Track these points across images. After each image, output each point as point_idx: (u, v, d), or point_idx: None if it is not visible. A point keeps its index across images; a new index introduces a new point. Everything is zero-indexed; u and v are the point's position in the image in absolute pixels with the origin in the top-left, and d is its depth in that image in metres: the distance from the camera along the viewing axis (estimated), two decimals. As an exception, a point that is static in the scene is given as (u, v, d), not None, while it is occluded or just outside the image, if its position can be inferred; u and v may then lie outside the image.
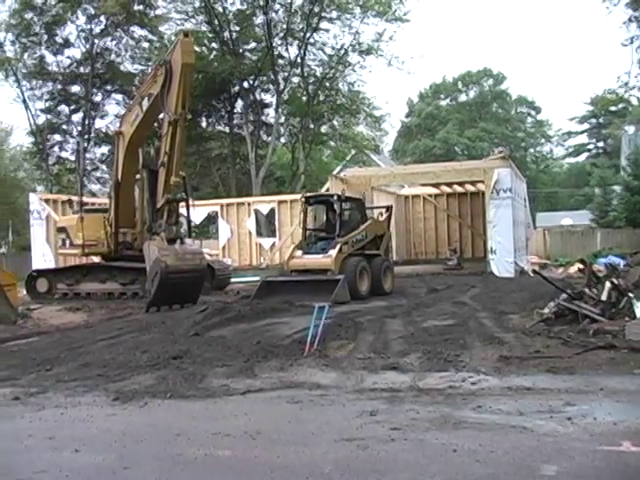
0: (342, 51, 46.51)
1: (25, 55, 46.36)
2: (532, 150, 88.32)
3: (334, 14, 45.40)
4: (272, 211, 33.26)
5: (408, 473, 5.53)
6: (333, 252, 18.44)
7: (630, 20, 36.83)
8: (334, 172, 39.77)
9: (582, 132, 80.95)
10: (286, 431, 6.81)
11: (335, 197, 19.72)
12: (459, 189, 34.76)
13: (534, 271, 24.51)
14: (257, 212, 33.80)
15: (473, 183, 32.55)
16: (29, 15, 44.28)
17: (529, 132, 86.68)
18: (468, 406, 7.28)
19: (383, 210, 22.54)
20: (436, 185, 33.52)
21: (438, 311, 15.23)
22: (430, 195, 36.03)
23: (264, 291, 18.14)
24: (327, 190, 28.96)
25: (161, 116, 20.19)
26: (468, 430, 6.45)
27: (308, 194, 21.46)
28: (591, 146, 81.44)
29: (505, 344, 10.58)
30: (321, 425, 6.88)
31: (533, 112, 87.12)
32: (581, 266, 17.36)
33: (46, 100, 47.93)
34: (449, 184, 33.31)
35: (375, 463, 5.74)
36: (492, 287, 20.86)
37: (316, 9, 44.29)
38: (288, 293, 17.24)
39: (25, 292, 22.84)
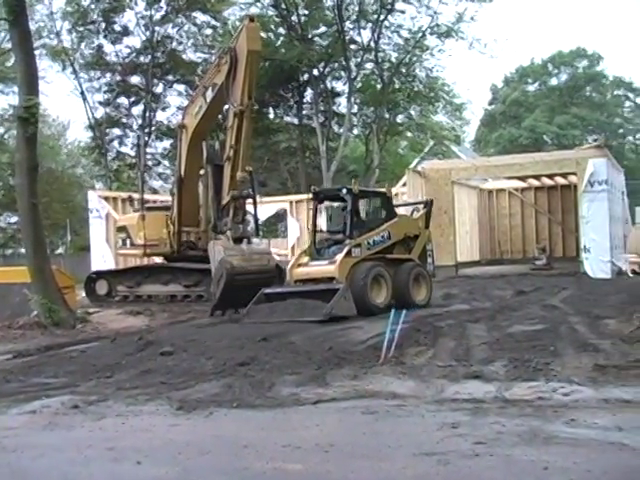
0: (419, 34, 46.04)
1: (82, 45, 47.35)
2: (631, 138, 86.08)
3: (410, -6, 45.12)
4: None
5: (494, 491, 5.48)
6: (339, 257, 16.72)
7: None
8: (411, 165, 39.64)
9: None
10: (361, 444, 6.79)
11: (345, 191, 17.64)
12: (548, 182, 34.22)
13: (633, 271, 24.03)
14: (329, 209, 33.80)
15: (564, 175, 31.98)
16: (86, 2, 45.18)
17: (627, 118, 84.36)
18: (560, 419, 7.12)
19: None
20: (522, 178, 33.03)
21: (526, 315, 15.02)
22: (516, 189, 35.55)
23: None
24: (404, 185, 28.87)
25: (226, 107, 20.45)
26: (561, 446, 6.30)
27: (317, 189, 19.51)
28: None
29: (601, 352, 10.34)
30: (398, 438, 6.84)
31: (632, 95, 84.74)
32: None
33: (104, 92, 48.90)
34: (537, 177, 32.80)
35: (457, 480, 5.69)
36: (586, 289, 20.49)
37: (391, -12, 44.12)
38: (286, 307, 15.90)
39: (84, 295, 23.34)
